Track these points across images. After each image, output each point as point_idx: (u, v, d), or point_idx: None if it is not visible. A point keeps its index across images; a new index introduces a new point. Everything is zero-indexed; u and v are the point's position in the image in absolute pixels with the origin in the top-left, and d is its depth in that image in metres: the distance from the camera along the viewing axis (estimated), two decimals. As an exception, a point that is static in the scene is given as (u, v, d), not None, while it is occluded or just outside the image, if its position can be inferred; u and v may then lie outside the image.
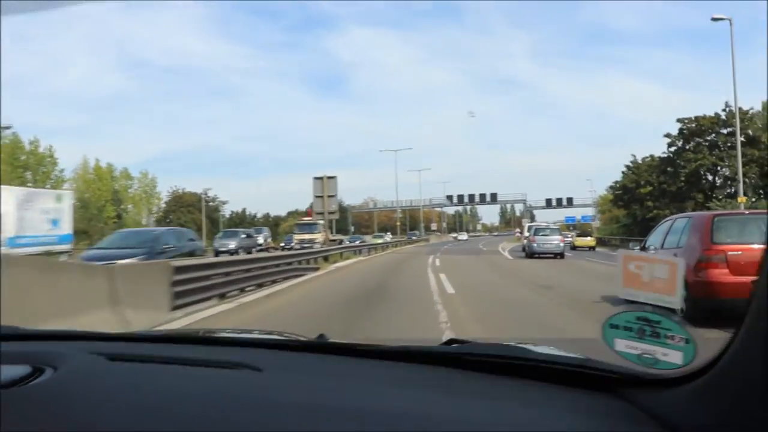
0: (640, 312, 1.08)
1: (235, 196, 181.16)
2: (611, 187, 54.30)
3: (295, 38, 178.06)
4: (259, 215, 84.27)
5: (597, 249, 41.36)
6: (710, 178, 44.02)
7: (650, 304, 1.08)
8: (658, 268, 1.09)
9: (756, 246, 7.02)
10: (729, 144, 38.97)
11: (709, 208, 31.85)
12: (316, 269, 19.98)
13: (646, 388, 1.00)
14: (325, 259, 22.81)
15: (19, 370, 1.10)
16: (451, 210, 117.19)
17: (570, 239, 42.05)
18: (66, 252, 24.66)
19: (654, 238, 9.60)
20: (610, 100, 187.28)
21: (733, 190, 37.59)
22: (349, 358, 1.34)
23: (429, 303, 10.34)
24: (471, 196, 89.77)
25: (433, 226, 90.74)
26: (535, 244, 26.86)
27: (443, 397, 1.05)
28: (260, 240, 41.07)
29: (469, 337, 2.00)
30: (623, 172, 50.28)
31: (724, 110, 40.96)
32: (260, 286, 13.16)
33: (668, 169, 44.37)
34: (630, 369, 1.07)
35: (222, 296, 10.81)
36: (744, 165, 31.56)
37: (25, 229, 23.48)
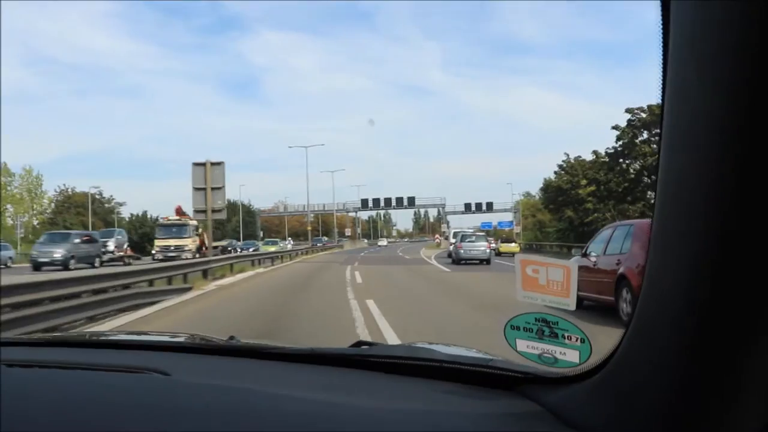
0: (539, 314, 1.09)
1: (141, 200, 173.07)
2: (542, 189, 50.27)
3: (207, 40, 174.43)
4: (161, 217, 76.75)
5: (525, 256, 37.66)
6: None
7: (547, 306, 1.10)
8: (554, 272, 1.10)
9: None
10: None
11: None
12: (187, 290, 13.81)
13: (546, 386, 1.02)
14: (204, 274, 16.40)
15: None
16: (364, 216, 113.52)
17: (495, 245, 39.95)
18: None
19: (595, 246, 9.71)
20: (518, 109, 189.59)
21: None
22: (258, 360, 1.35)
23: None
24: (387, 200, 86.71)
25: (347, 232, 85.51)
26: (462, 251, 26.62)
27: (348, 398, 1.06)
28: (110, 246, 30.00)
29: None
30: (556, 172, 46.48)
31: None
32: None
33: (618, 165, 40.34)
34: (531, 368, 1.09)
35: None
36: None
37: None
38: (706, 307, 0.67)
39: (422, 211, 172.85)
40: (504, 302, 7.27)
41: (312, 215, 76.98)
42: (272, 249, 38.21)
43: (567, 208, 44.40)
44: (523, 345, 1.10)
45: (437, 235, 77.92)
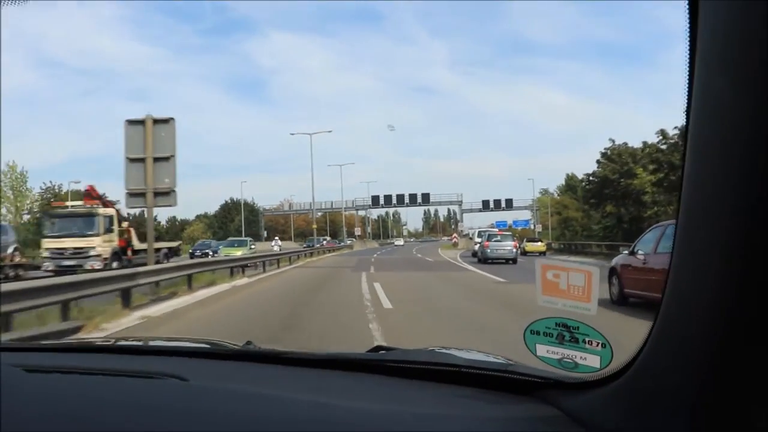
0: (559, 318, 1.07)
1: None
2: (586, 180, 43.70)
3: (214, 41, 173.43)
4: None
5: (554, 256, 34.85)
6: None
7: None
8: (575, 277, 1.09)
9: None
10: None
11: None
12: (76, 330, 7.71)
13: (565, 390, 1.01)
14: (124, 297, 9.69)
15: None
16: (374, 215, 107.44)
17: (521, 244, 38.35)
18: None
19: (643, 245, 9.54)
20: (528, 108, 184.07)
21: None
22: (276, 366, 1.34)
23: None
24: (400, 197, 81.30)
25: (357, 231, 79.58)
26: (489, 250, 26.74)
27: (367, 403, 1.05)
28: None
29: None
30: (598, 161, 40.12)
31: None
32: None
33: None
34: (552, 373, 1.07)
35: None
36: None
37: None
38: (732, 313, 0.66)
39: (432, 210, 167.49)
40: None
41: (319, 213, 71.30)
42: (238, 253, 24.91)
43: (608, 203, 38.08)
44: (542, 350, 1.08)
45: (455, 235, 71.64)
